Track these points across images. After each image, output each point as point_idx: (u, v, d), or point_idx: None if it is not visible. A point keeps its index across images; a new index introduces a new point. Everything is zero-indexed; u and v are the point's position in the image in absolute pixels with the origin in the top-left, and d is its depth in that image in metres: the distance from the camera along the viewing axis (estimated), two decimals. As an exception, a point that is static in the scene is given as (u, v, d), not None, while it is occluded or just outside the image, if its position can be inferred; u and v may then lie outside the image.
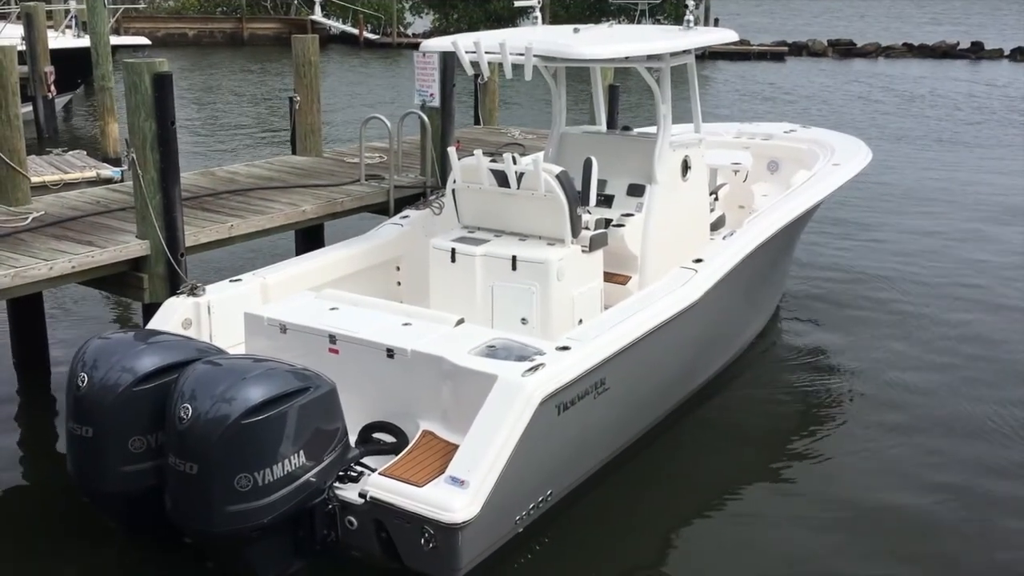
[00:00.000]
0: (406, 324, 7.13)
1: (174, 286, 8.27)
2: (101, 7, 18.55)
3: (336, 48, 47.15)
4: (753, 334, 10.46)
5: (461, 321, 7.24)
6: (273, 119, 26.33)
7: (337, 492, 6.20)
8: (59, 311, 11.26)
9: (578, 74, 11.26)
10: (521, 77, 7.88)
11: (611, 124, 10.91)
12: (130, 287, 8.68)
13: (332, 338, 7.00)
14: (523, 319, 8.02)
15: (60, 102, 23.98)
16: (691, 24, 9.43)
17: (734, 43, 10.30)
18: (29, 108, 20.32)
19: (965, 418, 9.07)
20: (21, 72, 11.95)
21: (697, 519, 7.43)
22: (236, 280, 8.18)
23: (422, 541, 6.01)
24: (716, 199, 10.35)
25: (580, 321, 8.07)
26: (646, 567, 6.88)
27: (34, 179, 10.96)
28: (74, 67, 23.69)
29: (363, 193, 10.72)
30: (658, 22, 46.60)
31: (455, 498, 5.97)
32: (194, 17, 50.93)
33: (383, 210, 10.66)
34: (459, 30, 44.35)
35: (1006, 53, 47.29)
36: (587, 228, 8.32)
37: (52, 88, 22.03)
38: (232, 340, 7.63)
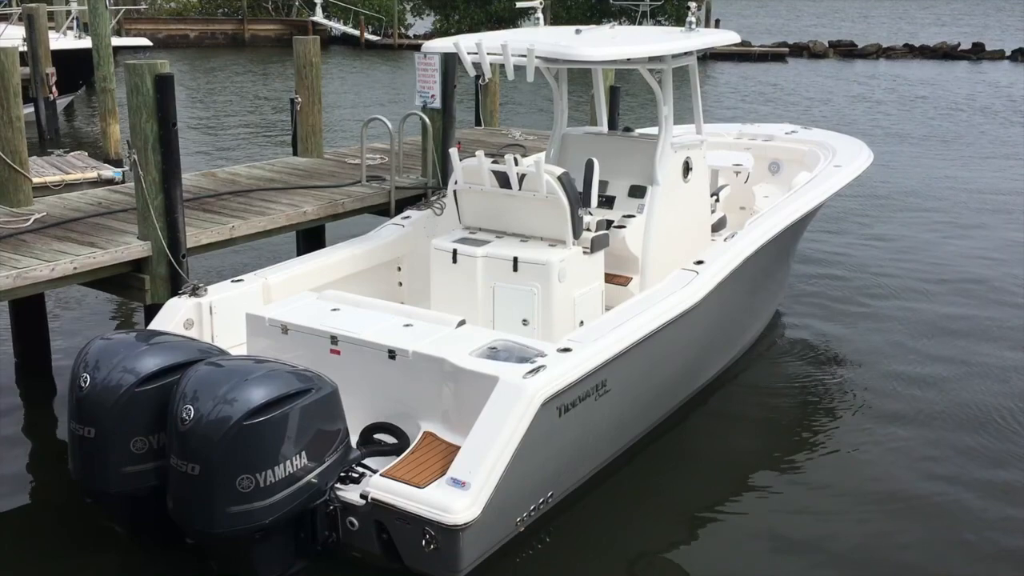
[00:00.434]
0: (407, 325, 7.14)
1: (175, 287, 8.27)
2: (103, 8, 18.58)
3: (337, 49, 47.21)
4: (754, 335, 10.46)
5: (462, 322, 7.24)
6: (274, 120, 26.36)
7: (338, 493, 6.20)
8: (61, 312, 11.27)
9: (579, 75, 11.26)
10: (523, 78, 7.88)
11: (612, 125, 10.92)
12: (132, 288, 8.68)
13: (334, 339, 7.01)
14: (524, 320, 8.03)
15: (61, 103, 24.02)
16: (693, 26, 9.43)
17: (735, 44, 10.31)
18: (31, 109, 20.33)
19: (968, 413, 9.13)
20: (23, 73, 11.97)
21: (698, 520, 7.43)
22: (238, 280, 8.18)
23: (423, 542, 6.02)
24: (717, 200, 10.35)
25: (581, 322, 8.08)
26: (647, 568, 6.88)
27: (35, 180, 10.97)
28: (75, 68, 23.72)
29: (364, 194, 10.73)
30: (659, 23, 46.66)
31: (456, 499, 5.97)
32: (195, 19, 51.00)
33: (384, 211, 10.68)
34: (460, 31, 44.42)
35: (1007, 54, 47.33)
36: (588, 229, 8.32)
37: (54, 89, 22.05)
38: (234, 340, 7.64)
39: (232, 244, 9.54)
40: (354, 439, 6.50)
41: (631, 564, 6.86)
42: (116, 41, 22.38)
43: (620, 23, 10.17)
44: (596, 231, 8.37)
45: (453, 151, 8.96)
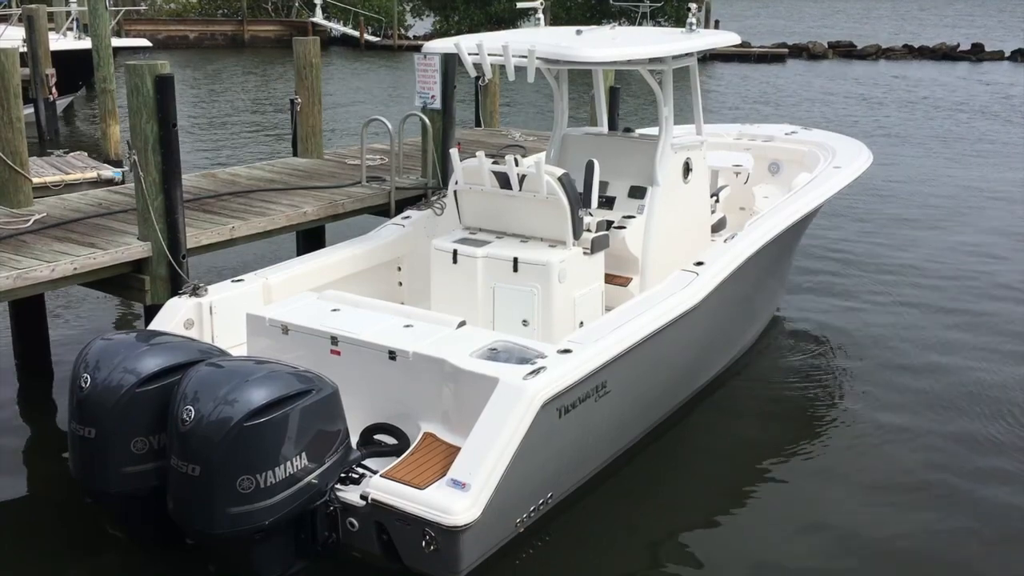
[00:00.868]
0: (408, 326, 7.14)
1: (176, 288, 8.27)
2: (103, 9, 18.58)
3: (337, 50, 47.22)
4: (754, 336, 10.46)
5: (463, 323, 7.24)
6: (274, 121, 26.36)
7: (339, 494, 6.20)
8: (61, 313, 11.27)
9: (579, 76, 11.27)
10: (523, 79, 7.89)
11: (612, 126, 10.93)
12: (132, 289, 8.69)
13: (334, 340, 7.01)
14: (524, 321, 8.03)
15: (61, 104, 24.02)
16: (693, 27, 9.44)
17: (734, 45, 10.31)
18: (30, 110, 20.34)
19: (972, 404, 9.22)
20: (23, 74, 11.97)
21: (697, 521, 7.43)
22: (238, 280, 8.18)
23: (423, 543, 6.02)
24: (717, 201, 10.36)
25: (581, 323, 8.08)
26: (646, 569, 6.88)
27: (35, 180, 10.97)
28: (75, 69, 23.73)
29: (364, 195, 10.73)
30: (658, 24, 46.68)
31: (456, 501, 5.97)
32: (195, 20, 50.99)
33: (384, 212, 10.68)
34: (460, 32, 44.41)
35: (1007, 55, 47.35)
36: (588, 230, 8.33)
37: (53, 90, 22.05)
38: (234, 340, 7.64)
39: (232, 245, 9.54)
40: (354, 440, 6.50)
41: (631, 565, 6.86)
42: (116, 42, 22.38)
43: (620, 24, 10.19)
44: (596, 232, 8.37)
45: (453, 151, 8.96)
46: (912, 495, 7.74)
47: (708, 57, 41.86)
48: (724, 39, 10.04)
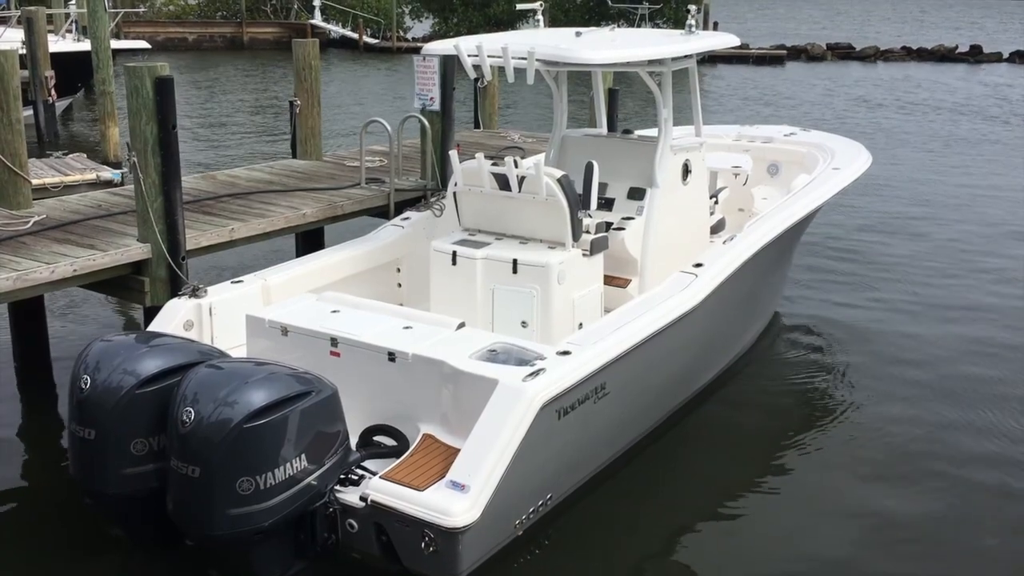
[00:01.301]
0: (407, 327, 7.14)
1: (175, 290, 8.28)
2: (102, 11, 18.59)
3: (336, 52, 47.21)
4: (753, 337, 10.47)
5: (462, 325, 7.25)
6: (273, 123, 26.36)
7: (338, 495, 6.21)
8: (60, 314, 11.27)
9: (578, 77, 11.28)
10: (523, 80, 7.90)
11: (611, 127, 10.93)
12: (131, 290, 8.69)
13: (333, 341, 7.01)
14: (523, 322, 8.04)
15: (60, 106, 24.02)
16: (693, 29, 9.45)
17: (733, 47, 10.32)
18: (29, 112, 20.34)
19: (974, 402, 9.28)
20: (22, 76, 11.97)
21: (697, 521, 7.44)
22: (238, 281, 8.19)
23: (422, 544, 6.02)
24: (716, 202, 10.36)
25: (580, 325, 8.08)
26: (646, 570, 6.89)
27: (34, 182, 10.97)
28: (74, 71, 23.72)
29: (363, 196, 10.74)
30: (657, 26, 46.69)
31: (456, 502, 5.98)
32: (194, 22, 51.00)
33: (383, 213, 10.68)
34: (459, 34, 44.42)
35: (1005, 56, 47.39)
36: (588, 231, 8.33)
37: (52, 92, 22.05)
38: (233, 341, 7.64)
39: (232, 246, 9.55)
40: (354, 441, 6.51)
41: (630, 566, 6.87)
42: (115, 44, 22.37)
43: (619, 26, 10.20)
44: (595, 233, 8.38)
45: (453, 153, 8.97)
46: (913, 497, 7.75)
47: (707, 59, 41.85)
48: (723, 41, 10.05)
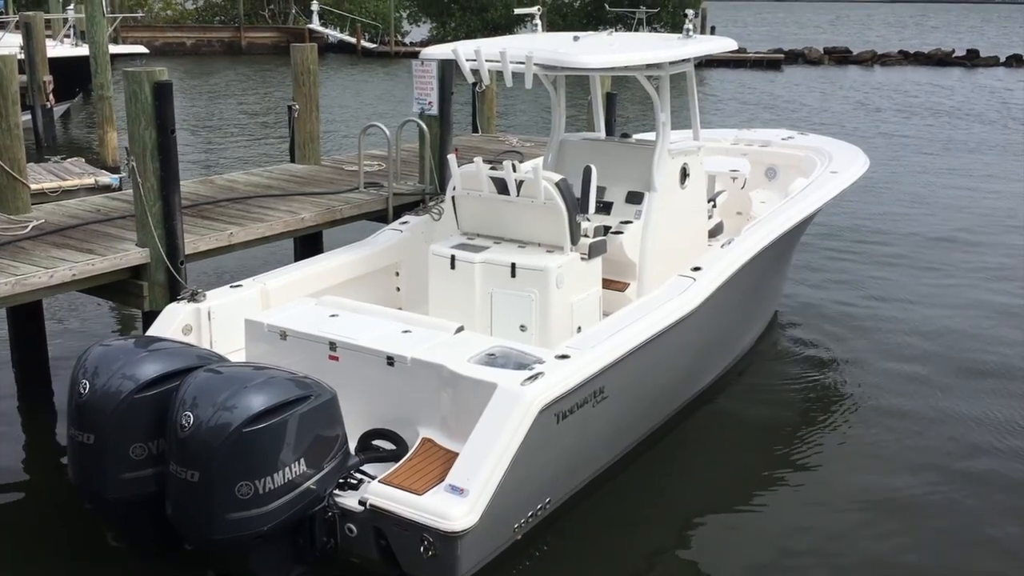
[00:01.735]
0: (406, 331, 7.14)
1: (174, 294, 8.27)
2: (100, 16, 18.61)
3: (334, 57, 47.29)
4: (751, 340, 10.48)
5: (461, 329, 7.25)
6: (272, 127, 26.38)
7: (337, 499, 6.20)
8: (59, 319, 11.27)
9: (575, 82, 11.30)
10: (521, 85, 7.91)
11: (609, 131, 10.95)
12: (130, 295, 8.69)
13: (332, 345, 7.02)
14: (522, 326, 8.04)
15: (58, 111, 24.04)
16: (690, 33, 9.47)
17: (731, 51, 10.35)
18: (28, 117, 20.35)
19: (968, 409, 9.27)
20: (20, 81, 11.98)
21: (696, 525, 7.44)
22: (236, 286, 8.19)
23: (421, 549, 6.02)
24: (714, 206, 10.38)
25: (579, 328, 8.09)
26: (645, 574, 6.88)
27: (33, 186, 10.97)
28: (72, 76, 23.75)
29: (362, 201, 10.74)
30: (655, 30, 46.77)
31: (454, 506, 5.98)
32: (192, 26, 51.06)
33: (382, 218, 10.69)
34: (456, 38, 44.46)
35: (1001, 60, 47.51)
36: (586, 235, 8.34)
37: (51, 97, 22.06)
38: (232, 346, 7.64)
39: (230, 251, 9.55)
40: (352, 445, 6.50)
41: (629, 570, 6.86)
42: (113, 49, 22.39)
43: (617, 30, 10.22)
44: (594, 237, 8.39)
45: (451, 157, 8.98)
46: (913, 496, 7.76)
47: (705, 63, 41.94)
48: (721, 45, 10.07)
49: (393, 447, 6.66)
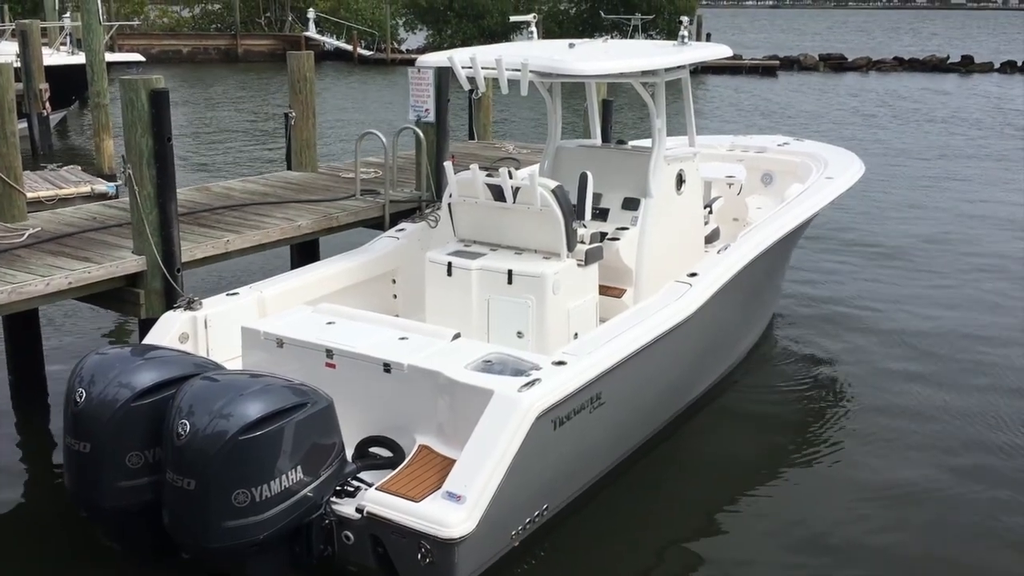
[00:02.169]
0: (403, 338, 7.14)
1: (170, 302, 8.26)
2: (97, 24, 18.61)
3: (331, 64, 47.34)
4: (748, 346, 10.49)
5: (457, 335, 7.25)
6: (268, 135, 26.39)
7: (334, 507, 6.20)
8: (55, 327, 11.25)
9: (571, 88, 11.32)
10: (517, 92, 7.93)
11: (605, 138, 10.97)
12: (127, 303, 8.68)
13: (329, 353, 7.01)
14: (519, 332, 8.04)
15: (54, 119, 24.04)
16: (686, 40, 9.49)
17: (726, 58, 10.38)
18: (24, 125, 20.35)
19: (967, 410, 9.31)
20: (16, 89, 11.98)
21: (694, 530, 7.43)
22: (233, 294, 8.19)
23: (418, 556, 6.01)
24: (710, 212, 10.39)
25: (575, 335, 8.09)
26: (643, 580, 6.89)
27: (29, 194, 10.97)
28: (68, 84, 23.76)
29: (359, 208, 10.75)
30: (650, 37, 46.89)
31: (452, 513, 5.97)
32: (188, 34, 51.12)
33: (379, 225, 10.69)
34: (453, 46, 44.56)
35: (996, 67, 47.67)
36: (582, 242, 8.35)
37: (47, 105, 22.07)
38: (229, 354, 7.63)
39: (227, 258, 9.55)
40: (349, 452, 6.50)
41: (627, 576, 6.86)
42: (109, 57, 22.41)
43: (612, 37, 10.25)
44: (590, 243, 8.39)
45: (447, 164, 8.98)
46: (911, 499, 7.77)
47: (700, 69, 42.09)
48: (716, 52, 10.09)
49: (390, 454, 6.65)
